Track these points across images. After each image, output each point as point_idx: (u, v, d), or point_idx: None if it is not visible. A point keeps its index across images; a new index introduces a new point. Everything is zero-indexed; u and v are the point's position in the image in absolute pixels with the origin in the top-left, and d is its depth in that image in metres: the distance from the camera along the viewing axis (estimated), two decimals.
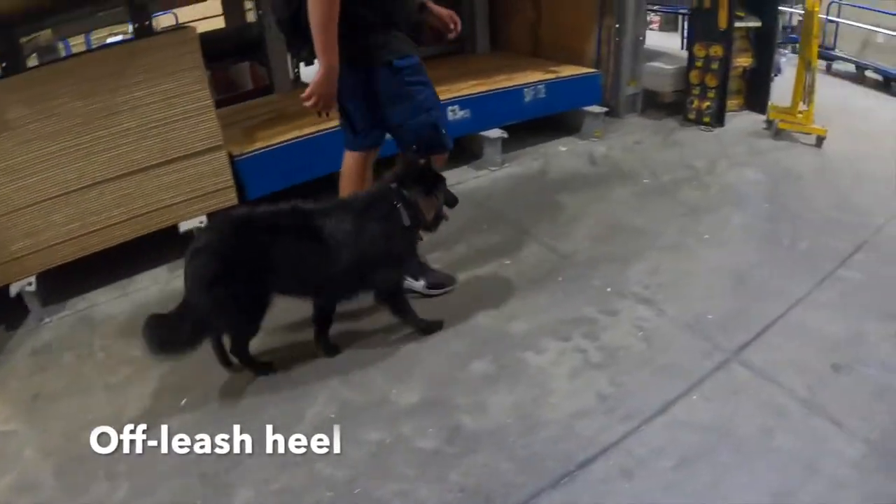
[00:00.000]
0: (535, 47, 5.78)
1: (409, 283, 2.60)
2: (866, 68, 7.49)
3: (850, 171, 4.82)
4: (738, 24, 5.62)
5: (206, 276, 1.91)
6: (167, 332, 1.96)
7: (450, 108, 3.96)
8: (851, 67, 7.70)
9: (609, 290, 2.96)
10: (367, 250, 2.04)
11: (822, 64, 7.79)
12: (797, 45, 8.33)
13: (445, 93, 4.28)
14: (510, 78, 4.43)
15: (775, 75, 5.94)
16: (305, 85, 2.22)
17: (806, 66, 5.13)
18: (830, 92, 7.04)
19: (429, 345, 2.54)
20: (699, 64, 5.41)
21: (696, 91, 5.45)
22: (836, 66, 7.87)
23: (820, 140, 5.18)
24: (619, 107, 5.18)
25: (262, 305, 2.03)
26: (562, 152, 4.62)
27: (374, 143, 2.40)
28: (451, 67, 5.08)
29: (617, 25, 5.26)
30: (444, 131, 2.30)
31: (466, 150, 4.26)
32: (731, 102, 5.94)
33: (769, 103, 5.67)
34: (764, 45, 5.83)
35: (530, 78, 4.46)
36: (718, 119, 5.47)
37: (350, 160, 2.42)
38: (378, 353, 2.48)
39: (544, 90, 4.42)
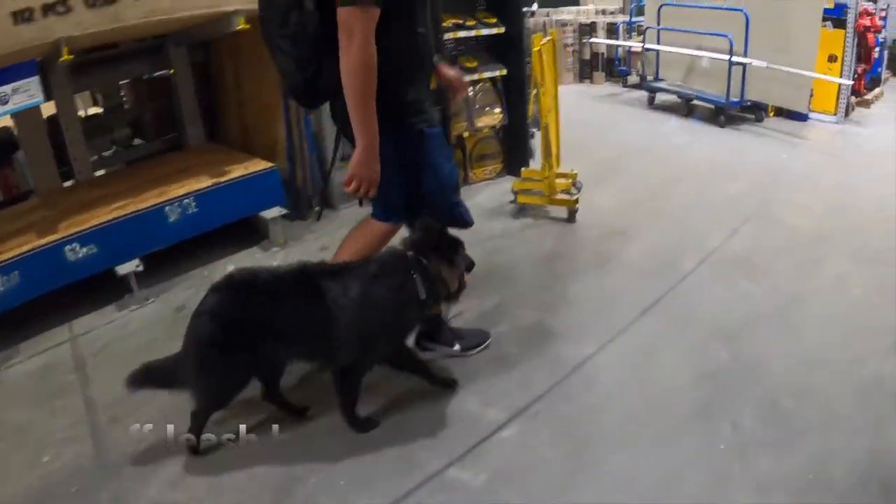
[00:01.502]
0: (244, 136, 4.67)
1: (443, 350, 2.60)
2: (690, 98, 6.46)
3: (590, 258, 3.64)
4: (471, 76, 4.51)
5: (199, 341, 1.94)
6: (155, 372, 2.06)
7: (69, 247, 3.23)
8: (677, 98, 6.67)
9: None
10: (372, 320, 1.97)
11: (644, 96, 6.80)
12: (626, 79, 7.44)
13: (69, 227, 3.31)
14: (164, 192, 3.53)
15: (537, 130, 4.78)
16: None
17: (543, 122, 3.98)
18: (646, 130, 6.00)
19: None
20: None
21: None
22: (661, 97, 6.85)
23: (572, 213, 4.01)
24: (333, 197, 4.21)
25: (243, 382, 2.03)
26: None
27: (410, 216, 2.24)
28: (129, 175, 4.17)
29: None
30: (463, 206, 2.29)
31: (98, 289, 3.31)
32: (487, 169, 4.86)
33: (524, 168, 4.51)
34: (515, 97, 4.72)
35: (193, 186, 3.64)
36: None
37: (376, 227, 2.28)
38: None
39: (195, 204, 3.52)
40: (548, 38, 4.04)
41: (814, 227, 3.92)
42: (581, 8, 9.01)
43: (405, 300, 2.00)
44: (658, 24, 6.83)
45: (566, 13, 8.45)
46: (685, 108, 6.48)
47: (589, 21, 8.10)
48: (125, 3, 3.02)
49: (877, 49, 7.75)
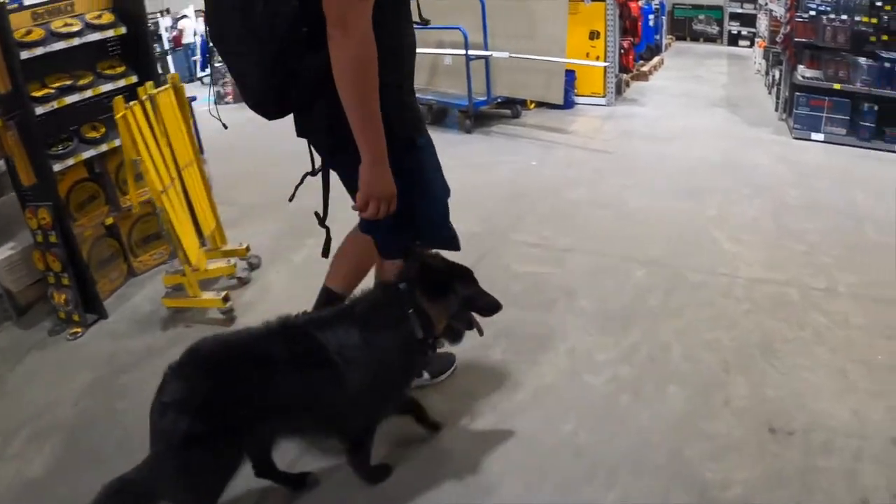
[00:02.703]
0: None
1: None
2: (431, 104, 5.43)
3: None
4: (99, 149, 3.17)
5: (176, 438, 1.61)
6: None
7: None
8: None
9: None
10: (378, 370, 1.75)
11: None
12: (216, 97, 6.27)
13: None
14: None
15: None
16: None
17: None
18: None
19: None
20: (39, 239, 3.06)
21: (52, 279, 3.12)
22: None
23: (226, 314, 2.89)
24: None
25: (235, 470, 1.72)
26: None
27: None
28: None
29: None
30: (451, 225, 2.01)
31: None
32: (155, 252, 3.54)
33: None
34: None
35: None
36: (94, 309, 3.11)
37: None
38: None
39: None
40: (162, 88, 2.93)
41: (549, 277, 2.91)
42: None
43: (403, 341, 1.78)
44: None
45: None
46: (429, 115, 5.42)
47: None
48: None
49: (651, 17, 7.23)
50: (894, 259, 3.03)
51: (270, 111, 1.80)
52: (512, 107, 5.37)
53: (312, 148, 1.93)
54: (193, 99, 4.41)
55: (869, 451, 1.95)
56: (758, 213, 3.52)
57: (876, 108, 4.71)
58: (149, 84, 2.90)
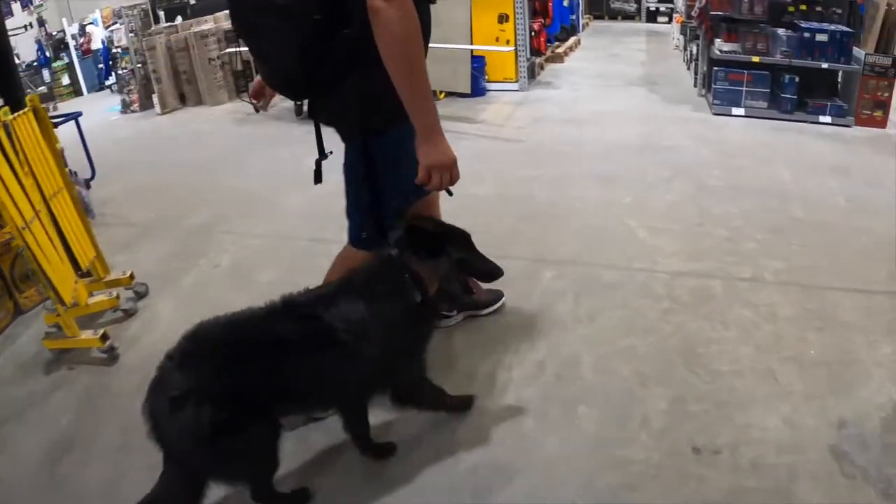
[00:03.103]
0: None
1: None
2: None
3: (111, 447, 2.10)
4: None
5: (204, 431, 1.55)
6: None
7: None
8: None
9: None
10: (383, 339, 1.73)
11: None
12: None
13: None
14: None
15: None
16: None
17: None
18: (277, 159, 4.57)
19: None
20: None
21: None
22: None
23: (108, 352, 2.57)
24: None
25: (276, 435, 1.70)
26: None
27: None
28: None
29: None
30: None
31: None
32: (40, 287, 3.00)
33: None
34: None
35: None
36: None
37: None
38: None
39: None
40: (19, 112, 2.56)
41: None
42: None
43: (402, 306, 1.75)
44: None
45: (209, 22, 6.81)
46: None
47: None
48: None
49: None
50: (822, 239, 2.87)
51: (301, 91, 1.85)
52: None
53: (340, 132, 1.88)
54: (79, 114, 3.95)
55: (804, 466, 1.77)
56: (677, 197, 3.33)
57: (797, 79, 4.60)
58: (3, 110, 2.54)
